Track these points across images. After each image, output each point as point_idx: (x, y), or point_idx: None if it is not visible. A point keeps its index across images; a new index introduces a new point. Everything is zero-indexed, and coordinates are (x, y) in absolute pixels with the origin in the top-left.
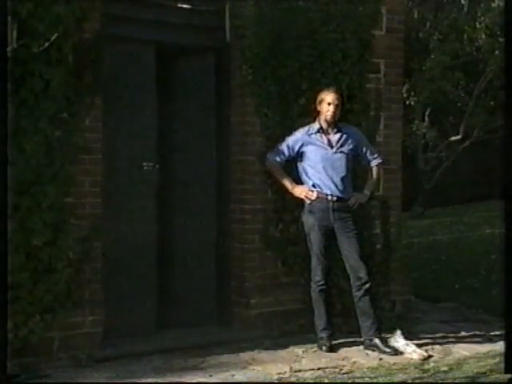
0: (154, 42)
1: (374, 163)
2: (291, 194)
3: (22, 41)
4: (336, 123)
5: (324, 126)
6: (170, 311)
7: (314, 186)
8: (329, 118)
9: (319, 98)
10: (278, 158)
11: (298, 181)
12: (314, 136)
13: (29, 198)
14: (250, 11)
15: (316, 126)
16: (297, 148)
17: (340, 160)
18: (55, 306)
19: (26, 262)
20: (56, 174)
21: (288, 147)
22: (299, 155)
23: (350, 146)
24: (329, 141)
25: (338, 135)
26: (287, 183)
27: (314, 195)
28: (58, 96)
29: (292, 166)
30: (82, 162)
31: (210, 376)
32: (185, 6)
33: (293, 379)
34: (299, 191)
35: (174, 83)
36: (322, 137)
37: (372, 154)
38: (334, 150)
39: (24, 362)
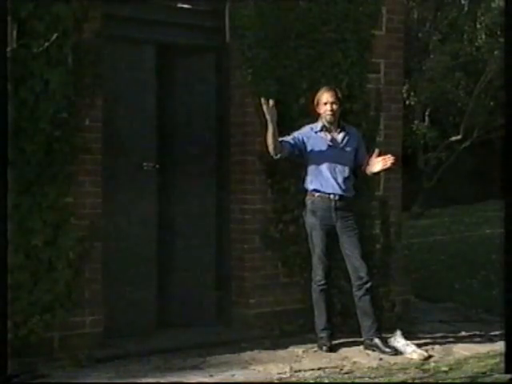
0: (154, 42)
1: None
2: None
3: (22, 41)
4: (339, 121)
5: (327, 125)
6: (170, 311)
7: (316, 186)
8: (328, 118)
9: (316, 99)
10: (284, 138)
11: (303, 179)
12: (318, 134)
13: (29, 198)
14: (250, 11)
15: (319, 124)
16: (301, 138)
17: (343, 159)
18: (55, 306)
19: (26, 261)
20: (56, 174)
21: (294, 137)
22: (305, 151)
23: (354, 146)
24: (333, 139)
25: (342, 134)
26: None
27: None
28: (57, 96)
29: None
30: (82, 162)
31: (210, 376)
32: (185, 5)
33: (293, 379)
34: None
35: (174, 83)
36: (326, 135)
37: (363, 157)
38: (338, 148)
39: (24, 362)
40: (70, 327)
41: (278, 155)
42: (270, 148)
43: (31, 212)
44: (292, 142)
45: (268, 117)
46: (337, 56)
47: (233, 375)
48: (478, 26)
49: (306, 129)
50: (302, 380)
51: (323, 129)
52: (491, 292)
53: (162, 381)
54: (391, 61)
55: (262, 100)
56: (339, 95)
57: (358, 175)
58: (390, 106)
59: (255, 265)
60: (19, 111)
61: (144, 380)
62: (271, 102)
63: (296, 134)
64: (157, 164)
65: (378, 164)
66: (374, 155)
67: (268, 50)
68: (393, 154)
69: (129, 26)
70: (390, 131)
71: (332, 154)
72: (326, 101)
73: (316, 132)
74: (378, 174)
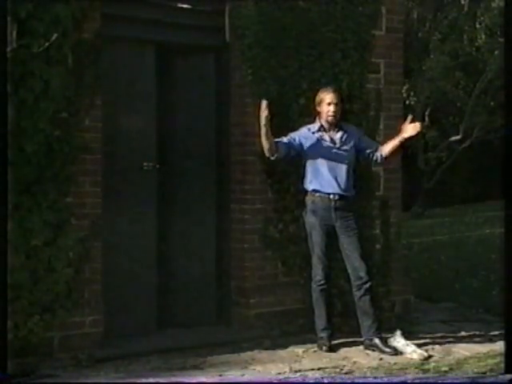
0: (154, 42)
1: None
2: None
3: (22, 41)
4: (337, 122)
5: (325, 125)
6: (170, 311)
7: (316, 186)
8: (330, 118)
9: (318, 98)
10: (280, 139)
11: (302, 180)
12: (315, 134)
13: (29, 198)
14: (250, 11)
15: (316, 124)
16: (297, 139)
17: (342, 158)
18: (55, 306)
19: (26, 261)
20: (56, 174)
21: (290, 138)
22: (302, 151)
23: (352, 144)
24: (331, 139)
25: (340, 133)
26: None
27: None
28: (57, 96)
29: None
30: (82, 162)
31: (211, 376)
32: (185, 5)
33: (293, 379)
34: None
35: (174, 83)
36: (324, 135)
37: (372, 144)
38: (337, 148)
39: (24, 362)
40: (70, 327)
41: (274, 156)
42: (265, 149)
43: (31, 212)
44: (288, 142)
45: (261, 118)
46: (337, 56)
47: (233, 375)
48: (478, 26)
49: (303, 129)
50: (302, 380)
51: (321, 129)
52: (491, 292)
53: (162, 381)
54: (391, 61)
55: (262, 103)
56: (342, 96)
57: (357, 174)
58: (389, 106)
59: (255, 265)
60: (19, 111)
61: (144, 380)
62: (264, 102)
63: (292, 134)
64: (157, 164)
65: (412, 128)
66: (407, 122)
67: (268, 50)
68: None
69: (129, 25)
70: (389, 131)
71: (331, 153)
72: (330, 101)
73: (313, 132)
74: (391, 156)
